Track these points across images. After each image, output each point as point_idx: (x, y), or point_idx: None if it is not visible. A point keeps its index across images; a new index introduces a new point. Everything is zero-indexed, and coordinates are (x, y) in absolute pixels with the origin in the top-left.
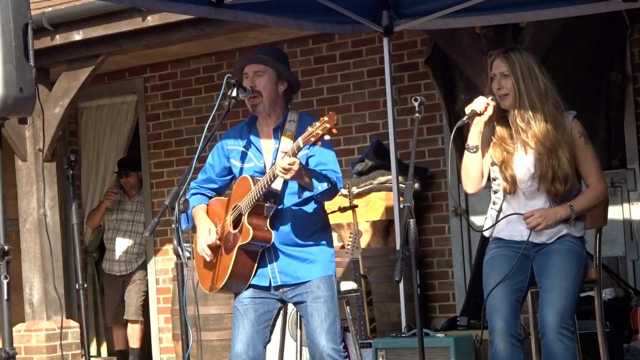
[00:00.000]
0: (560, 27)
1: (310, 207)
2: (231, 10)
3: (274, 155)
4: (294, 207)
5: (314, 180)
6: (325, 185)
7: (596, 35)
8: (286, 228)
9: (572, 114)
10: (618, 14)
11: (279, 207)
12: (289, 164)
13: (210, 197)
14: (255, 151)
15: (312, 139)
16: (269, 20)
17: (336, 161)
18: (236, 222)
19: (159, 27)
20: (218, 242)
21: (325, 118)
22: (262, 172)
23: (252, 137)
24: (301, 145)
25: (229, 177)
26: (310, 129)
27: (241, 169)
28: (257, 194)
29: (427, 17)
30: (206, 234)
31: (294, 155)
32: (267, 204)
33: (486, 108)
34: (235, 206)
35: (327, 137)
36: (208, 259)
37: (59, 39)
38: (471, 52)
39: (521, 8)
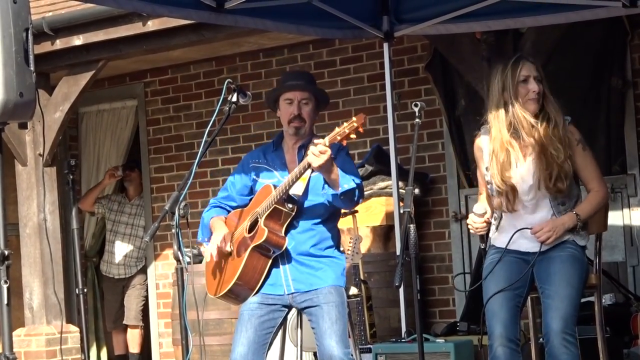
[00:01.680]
0: (560, 33)
1: (329, 223)
2: (231, 15)
3: None
4: (313, 221)
5: (340, 177)
6: (350, 184)
7: (596, 41)
8: (304, 238)
9: (567, 120)
10: (618, 20)
11: (298, 220)
12: (321, 151)
13: (229, 212)
14: (281, 167)
15: (339, 137)
16: (269, 25)
17: (358, 174)
18: (251, 228)
19: (159, 32)
20: (229, 249)
21: (354, 118)
22: None
23: (278, 155)
24: (327, 144)
25: (249, 196)
26: (337, 129)
27: (262, 184)
28: (278, 195)
29: (428, 23)
30: (219, 238)
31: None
32: (285, 209)
33: (485, 222)
34: (254, 212)
35: (353, 136)
36: (212, 259)
37: (59, 44)
38: (471, 58)
39: (522, 14)
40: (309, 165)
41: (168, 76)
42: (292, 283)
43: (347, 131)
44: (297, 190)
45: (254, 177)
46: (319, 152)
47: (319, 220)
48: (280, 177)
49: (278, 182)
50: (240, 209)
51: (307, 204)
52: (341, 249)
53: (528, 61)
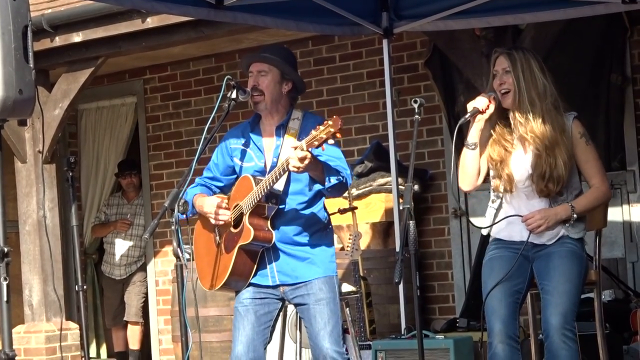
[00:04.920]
0: (560, 29)
1: (312, 208)
2: (230, 12)
3: (274, 154)
4: (296, 207)
5: (325, 173)
6: (335, 180)
7: (596, 37)
8: (287, 227)
9: (573, 115)
10: (618, 16)
11: (281, 207)
12: (301, 157)
13: (214, 193)
14: (257, 150)
15: (316, 143)
16: (268, 21)
17: (344, 158)
18: (237, 222)
19: (158, 29)
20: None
21: (330, 122)
22: (262, 172)
23: (254, 136)
24: (304, 148)
25: (233, 176)
26: (314, 133)
27: (242, 168)
28: (259, 194)
29: (427, 19)
30: (217, 203)
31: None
32: (268, 205)
33: (488, 106)
34: (236, 205)
35: (330, 142)
36: (227, 218)
37: (58, 41)
38: (471, 54)
39: (521, 10)
40: (289, 169)
41: (167, 73)
42: (278, 275)
43: (323, 136)
44: (278, 185)
45: (235, 159)
46: (298, 159)
47: (303, 205)
48: (258, 161)
49: (255, 165)
50: (222, 197)
51: (290, 190)
52: (337, 239)
53: (501, 54)
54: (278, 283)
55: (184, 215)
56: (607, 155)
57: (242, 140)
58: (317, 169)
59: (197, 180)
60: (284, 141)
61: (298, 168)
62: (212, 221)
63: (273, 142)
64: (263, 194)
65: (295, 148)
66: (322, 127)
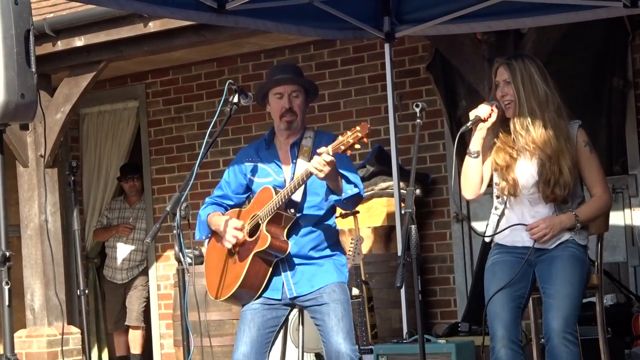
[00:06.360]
0: (561, 33)
1: (326, 222)
2: (232, 16)
3: (292, 170)
4: (311, 222)
5: (344, 183)
6: (353, 190)
7: (597, 41)
8: (302, 241)
9: (578, 123)
10: (619, 20)
11: (299, 222)
12: (327, 162)
13: (226, 210)
14: (275, 166)
15: (342, 147)
16: (270, 26)
17: (358, 175)
18: (252, 232)
19: (160, 33)
20: (243, 234)
21: (357, 127)
22: (282, 186)
23: (271, 153)
24: (330, 153)
25: (245, 194)
26: (341, 138)
27: (258, 184)
28: (279, 201)
29: (429, 23)
30: (233, 222)
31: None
32: (286, 214)
33: (490, 114)
34: (254, 215)
35: (357, 146)
36: (233, 243)
37: (60, 45)
38: (472, 58)
39: (522, 14)
40: (311, 174)
41: (169, 77)
42: (294, 287)
43: (350, 141)
44: (296, 196)
45: (250, 176)
46: (324, 163)
47: (318, 220)
48: (276, 176)
49: (274, 181)
50: (238, 209)
51: (306, 204)
52: (343, 248)
53: (501, 64)
54: (295, 295)
55: (203, 238)
56: (609, 160)
57: (257, 158)
58: (337, 178)
59: (208, 200)
60: (298, 159)
61: (322, 172)
62: (226, 243)
63: (289, 160)
64: (283, 201)
65: (321, 154)
66: (349, 133)
